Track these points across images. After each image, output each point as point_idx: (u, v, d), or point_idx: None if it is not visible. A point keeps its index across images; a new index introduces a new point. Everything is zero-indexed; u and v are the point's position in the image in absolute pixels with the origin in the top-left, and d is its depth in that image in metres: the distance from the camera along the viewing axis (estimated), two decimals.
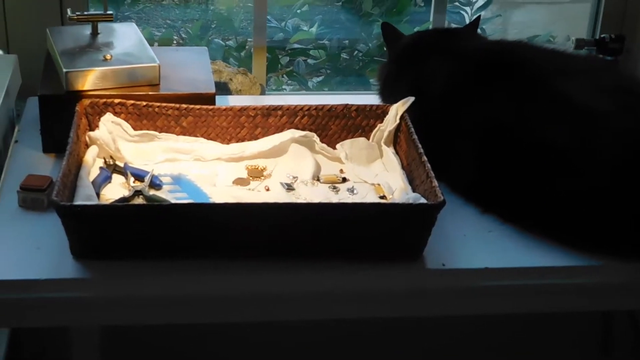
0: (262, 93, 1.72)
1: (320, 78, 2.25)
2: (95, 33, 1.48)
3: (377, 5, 2.29)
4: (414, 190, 1.26)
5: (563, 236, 1.24)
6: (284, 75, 2.19)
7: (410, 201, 1.20)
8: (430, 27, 1.90)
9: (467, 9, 2.33)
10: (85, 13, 1.47)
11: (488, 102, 1.34)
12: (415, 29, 1.98)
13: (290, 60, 2.22)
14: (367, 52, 2.23)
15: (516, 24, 2.52)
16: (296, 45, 2.21)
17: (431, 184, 1.20)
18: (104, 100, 1.35)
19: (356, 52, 2.24)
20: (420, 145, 1.28)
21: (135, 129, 1.36)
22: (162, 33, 2.26)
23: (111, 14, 1.47)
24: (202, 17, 2.33)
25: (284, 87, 2.18)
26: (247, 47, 2.18)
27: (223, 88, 1.65)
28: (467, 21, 2.25)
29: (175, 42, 2.23)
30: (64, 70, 1.37)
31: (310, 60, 2.23)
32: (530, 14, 2.60)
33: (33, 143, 1.41)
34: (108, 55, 1.42)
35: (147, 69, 1.41)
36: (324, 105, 1.39)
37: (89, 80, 1.38)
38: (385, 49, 1.63)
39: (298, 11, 2.30)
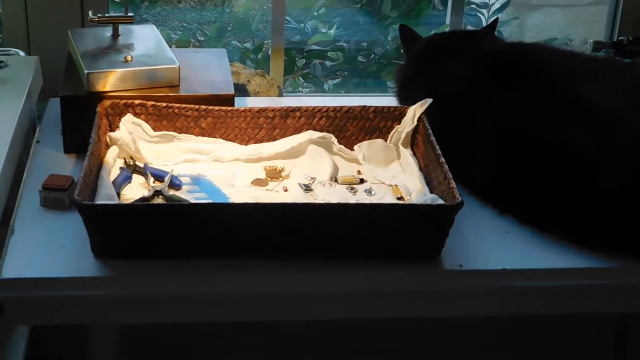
0: (280, 95, 1.73)
1: (337, 80, 2.25)
2: (115, 35, 1.50)
3: (395, 7, 2.29)
4: (431, 192, 1.27)
5: (580, 237, 1.24)
6: (300, 78, 2.20)
7: (428, 202, 1.20)
8: (448, 29, 1.90)
9: (484, 11, 2.33)
10: (106, 15, 1.49)
11: (506, 104, 1.34)
12: (433, 32, 1.98)
13: (306, 62, 2.23)
14: (384, 55, 2.23)
15: (533, 26, 2.52)
16: (314, 47, 2.22)
17: (449, 185, 1.20)
18: (125, 101, 1.36)
19: (373, 54, 2.25)
20: (437, 147, 1.29)
21: (155, 129, 1.37)
22: (178, 35, 2.28)
23: (132, 16, 1.48)
24: (219, 19, 2.35)
25: (300, 89, 2.19)
26: (264, 49, 2.19)
27: (241, 90, 1.66)
28: (484, 24, 2.25)
29: (192, 44, 2.24)
30: (86, 71, 1.39)
31: (327, 62, 2.23)
32: (547, 16, 2.60)
33: (54, 143, 1.43)
34: (129, 56, 1.43)
35: (167, 70, 1.42)
36: (342, 107, 1.40)
37: (110, 81, 1.39)
38: (402, 51, 1.63)
39: (316, 13, 2.31)
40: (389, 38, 2.27)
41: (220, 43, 2.22)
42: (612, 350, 1.91)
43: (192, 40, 2.28)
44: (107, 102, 1.35)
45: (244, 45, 2.22)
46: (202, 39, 2.29)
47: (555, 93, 1.33)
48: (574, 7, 2.58)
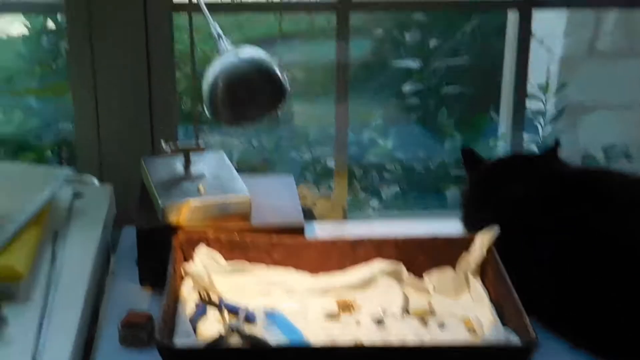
0: (345, 216, 1.76)
1: (395, 191, 2.28)
2: (187, 164, 1.54)
3: (450, 116, 2.33)
4: (503, 325, 1.27)
5: None
6: (359, 189, 2.24)
7: (503, 340, 1.20)
8: (507, 139, 1.92)
9: (540, 118, 2.35)
10: (179, 147, 1.53)
11: (574, 230, 1.34)
12: (496, 152, 2.01)
13: (364, 174, 2.27)
14: (441, 166, 2.27)
15: (588, 130, 2.53)
16: (372, 159, 2.26)
17: (522, 320, 1.20)
18: (199, 234, 1.39)
19: (431, 166, 2.28)
20: (508, 279, 1.29)
21: (227, 259, 1.40)
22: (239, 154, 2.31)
23: (203, 147, 1.53)
24: (277, 132, 2.40)
25: (358, 198, 2.22)
26: (322, 161, 2.24)
27: (308, 213, 1.69)
28: (540, 132, 2.28)
29: (252, 161, 2.28)
30: (161, 204, 1.43)
31: (385, 174, 2.27)
32: (601, 119, 2.61)
33: (129, 274, 1.45)
34: (201, 187, 1.47)
35: (240, 202, 1.45)
36: (411, 239, 1.42)
37: (184, 213, 1.43)
38: (466, 174, 1.65)
39: (373, 124, 2.36)
40: (445, 148, 2.31)
41: (278, 154, 2.27)
42: None
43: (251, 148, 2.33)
44: (182, 236, 1.39)
45: (302, 158, 2.27)
46: (260, 147, 2.34)
47: (625, 220, 1.33)
48: (629, 110, 2.59)
